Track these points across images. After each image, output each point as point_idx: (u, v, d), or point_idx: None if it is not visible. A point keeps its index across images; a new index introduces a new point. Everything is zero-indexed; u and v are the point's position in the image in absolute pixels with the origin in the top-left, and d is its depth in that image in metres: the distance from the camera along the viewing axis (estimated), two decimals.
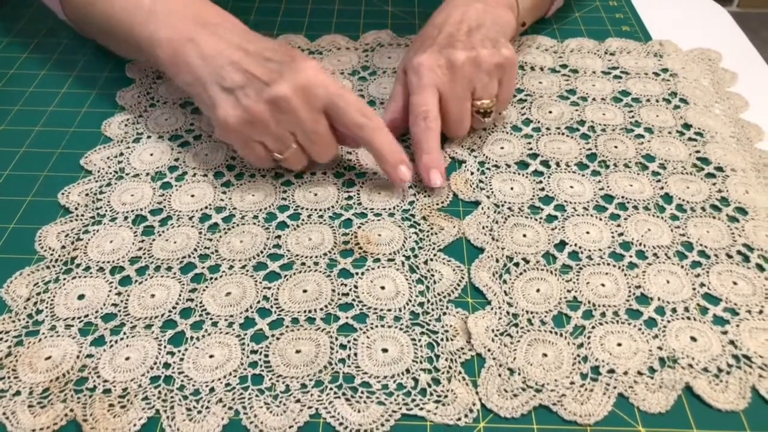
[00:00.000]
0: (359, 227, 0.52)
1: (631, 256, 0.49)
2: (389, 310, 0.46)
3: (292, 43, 0.73)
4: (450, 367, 0.43)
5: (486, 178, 0.56)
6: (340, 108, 0.51)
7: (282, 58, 0.51)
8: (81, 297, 0.46)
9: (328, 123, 0.52)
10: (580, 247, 0.50)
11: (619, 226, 0.52)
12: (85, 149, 0.58)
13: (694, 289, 0.47)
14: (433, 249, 0.50)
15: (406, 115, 0.57)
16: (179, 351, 0.43)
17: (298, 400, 0.41)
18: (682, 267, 0.49)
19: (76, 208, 0.53)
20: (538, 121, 0.63)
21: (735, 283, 0.48)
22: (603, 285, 0.47)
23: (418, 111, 0.55)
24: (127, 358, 0.43)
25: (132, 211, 0.53)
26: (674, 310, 0.46)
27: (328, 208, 0.53)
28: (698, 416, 0.40)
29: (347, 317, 0.46)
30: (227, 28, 0.53)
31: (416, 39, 0.61)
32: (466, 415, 0.40)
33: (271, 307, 0.46)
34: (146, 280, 0.48)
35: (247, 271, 0.48)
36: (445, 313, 0.46)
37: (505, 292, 0.47)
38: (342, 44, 0.73)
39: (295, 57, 0.51)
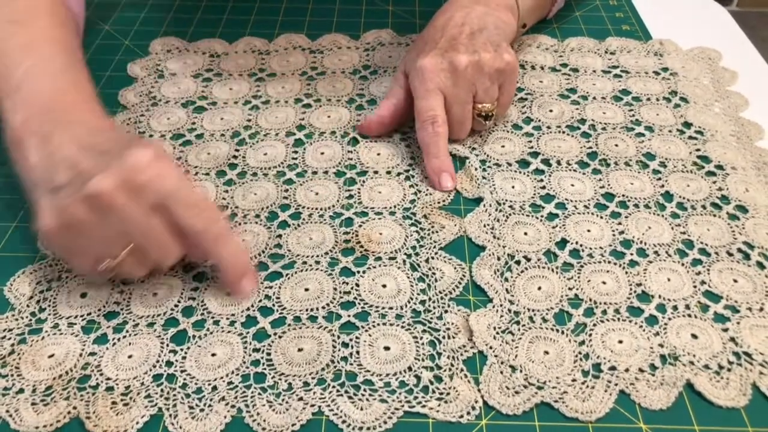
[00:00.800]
0: (360, 226, 0.52)
1: (632, 254, 0.50)
2: (391, 308, 0.46)
3: (293, 42, 0.73)
4: (452, 365, 0.43)
5: (488, 176, 0.56)
6: (175, 208, 0.42)
7: (120, 148, 0.42)
8: (83, 295, 0.47)
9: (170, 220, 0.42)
10: (581, 245, 0.50)
11: (620, 224, 0.52)
12: None
13: (694, 286, 0.47)
14: (434, 247, 0.50)
15: (398, 115, 0.59)
16: (181, 349, 0.43)
17: (301, 398, 0.41)
18: (683, 265, 0.49)
19: None
20: (539, 120, 0.63)
21: (735, 281, 0.48)
22: (604, 283, 0.47)
23: (425, 116, 0.56)
24: (130, 356, 0.43)
25: None
26: (675, 308, 0.46)
27: (329, 207, 0.54)
28: (699, 413, 0.41)
29: (349, 315, 0.46)
30: (83, 121, 0.46)
31: (418, 40, 0.61)
32: (468, 413, 0.41)
33: (273, 305, 0.46)
34: (148, 278, 0.48)
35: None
36: (446, 311, 0.46)
37: (506, 289, 0.47)
38: (343, 43, 0.73)
39: (133, 145, 0.42)
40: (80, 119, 0.46)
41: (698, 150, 0.60)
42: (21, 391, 0.41)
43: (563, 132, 0.61)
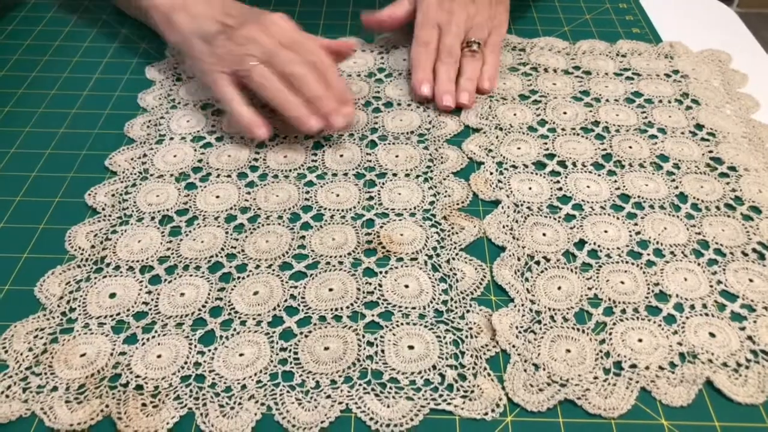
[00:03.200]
0: (381, 227, 0.53)
1: (648, 255, 0.51)
2: (414, 308, 0.47)
3: None
4: (475, 364, 0.44)
5: (504, 178, 0.57)
6: (296, 49, 0.58)
7: (253, 12, 0.61)
8: (112, 295, 0.47)
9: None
10: (598, 246, 0.51)
11: (636, 225, 0.53)
12: (108, 150, 0.59)
13: (711, 286, 0.48)
14: (455, 248, 0.51)
15: (398, 23, 0.71)
16: (209, 350, 0.44)
17: (329, 396, 0.42)
18: (699, 265, 0.50)
19: (103, 209, 0.54)
20: (554, 122, 0.64)
21: (751, 281, 0.49)
22: (622, 282, 0.48)
23: (420, 41, 0.67)
24: (159, 356, 0.44)
25: (158, 211, 0.54)
26: (692, 307, 0.47)
27: (350, 209, 0.55)
28: (719, 409, 0.42)
29: (373, 315, 0.47)
30: None
31: None
32: (492, 410, 0.41)
33: (299, 305, 0.47)
34: (175, 279, 0.49)
35: (273, 270, 0.49)
36: (468, 311, 0.47)
37: (527, 289, 0.48)
38: (357, 47, 0.74)
39: (264, 12, 0.61)
40: None
41: (711, 152, 0.61)
42: (55, 389, 0.42)
43: (578, 134, 0.62)
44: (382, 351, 0.44)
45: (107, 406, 0.41)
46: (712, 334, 0.45)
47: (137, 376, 0.43)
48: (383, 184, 0.57)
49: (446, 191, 0.56)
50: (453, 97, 0.64)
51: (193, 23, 0.60)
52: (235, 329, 0.46)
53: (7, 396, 0.41)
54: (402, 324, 0.46)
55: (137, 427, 0.40)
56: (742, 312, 0.47)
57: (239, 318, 0.46)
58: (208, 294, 0.48)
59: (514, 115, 0.65)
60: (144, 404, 0.41)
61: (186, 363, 0.43)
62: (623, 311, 0.46)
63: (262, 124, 0.58)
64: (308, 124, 0.57)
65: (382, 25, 0.71)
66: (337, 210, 0.54)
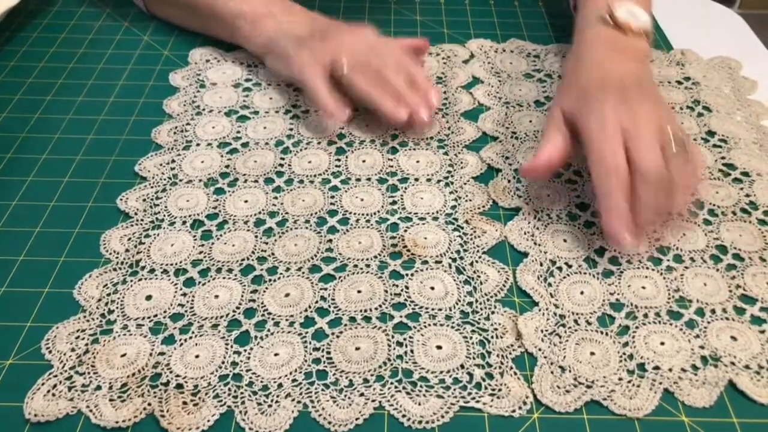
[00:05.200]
0: (405, 231, 0.55)
1: (668, 260, 0.52)
2: (440, 309, 0.49)
3: None
4: (501, 363, 0.45)
5: (522, 186, 0.59)
6: (377, 54, 0.64)
7: (342, 23, 0.67)
8: (149, 298, 0.49)
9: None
10: (619, 252, 0.53)
11: (655, 231, 0.54)
12: (137, 156, 0.61)
13: (730, 290, 0.50)
14: (478, 251, 0.53)
15: (562, 158, 0.55)
16: (245, 350, 0.46)
17: (362, 394, 0.43)
18: (718, 270, 0.51)
19: (136, 213, 0.55)
20: None
21: None
22: (644, 288, 0.50)
23: (608, 162, 0.50)
24: (197, 356, 0.45)
25: (189, 215, 0.55)
26: (713, 311, 0.48)
27: (375, 213, 0.56)
28: (737, 406, 0.44)
29: (401, 316, 0.48)
30: (297, 8, 0.70)
31: (570, 85, 0.59)
32: (520, 407, 0.43)
33: (329, 306, 0.49)
34: (209, 281, 0.50)
35: (303, 273, 0.51)
36: (493, 312, 0.49)
37: (551, 294, 0.49)
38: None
39: (352, 25, 0.67)
40: (293, 6, 0.70)
41: (723, 158, 0.62)
42: (99, 387, 0.43)
43: None
44: (412, 351, 0.46)
45: (149, 404, 0.43)
46: (733, 338, 0.47)
47: (177, 376, 0.44)
48: (405, 188, 0.59)
49: (467, 196, 0.58)
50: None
51: (283, 27, 0.67)
52: (269, 330, 0.47)
53: (53, 395, 0.43)
54: (429, 325, 0.48)
55: (180, 425, 0.42)
56: (762, 315, 0.48)
57: (272, 319, 0.48)
58: (242, 296, 0.49)
59: (530, 122, 0.66)
60: (185, 402, 0.43)
61: (223, 363, 0.45)
62: (645, 315, 0.48)
63: (343, 109, 0.62)
64: (398, 113, 0.61)
65: (542, 176, 0.57)
66: (362, 214, 0.56)
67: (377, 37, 0.66)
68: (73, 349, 0.45)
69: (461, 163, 0.61)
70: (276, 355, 0.46)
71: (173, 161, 0.60)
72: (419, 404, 0.43)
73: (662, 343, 0.46)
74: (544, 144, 0.54)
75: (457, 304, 0.49)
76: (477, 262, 0.52)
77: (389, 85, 0.62)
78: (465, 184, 0.59)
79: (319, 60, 0.63)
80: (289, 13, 0.69)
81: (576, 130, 0.54)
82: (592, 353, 0.45)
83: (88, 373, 0.44)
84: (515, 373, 0.45)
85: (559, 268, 0.51)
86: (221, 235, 0.54)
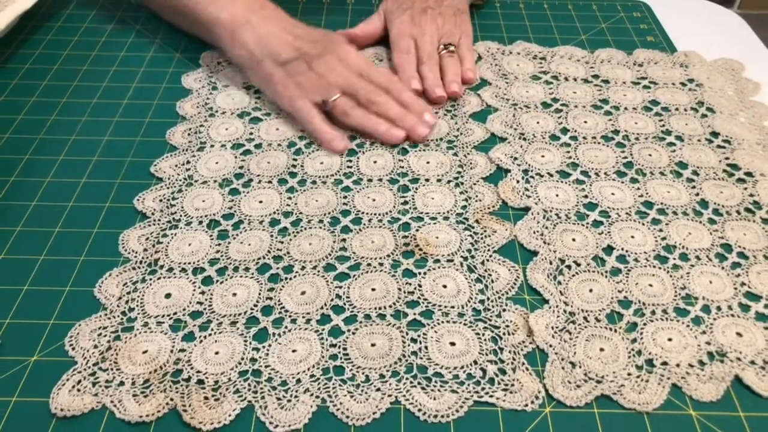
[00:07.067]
0: (417, 230, 0.56)
1: (674, 259, 0.53)
2: (453, 307, 0.50)
3: None
4: (514, 359, 0.47)
5: (531, 186, 0.60)
6: (367, 76, 0.66)
7: (325, 39, 0.67)
8: (168, 296, 0.50)
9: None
10: (626, 251, 0.54)
11: (661, 230, 0.56)
12: (152, 157, 0.62)
13: (735, 288, 0.51)
14: (488, 250, 0.54)
15: (370, 39, 0.77)
16: (263, 347, 0.47)
17: (378, 389, 0.45)
18: (723, 268, 0.53)
19: (153, 213, 0.56)
20: (575, 130, 0.66)
21: None
22: (651, 285, 0.51)
23: (400, 50, 0.73)
24: (217, 353, 0.47)
25: (206, 215, 0.56)
26: (719, 308, 0.50)
27: (387, 213, 0.57)
28: (743, 400, 0.45)
29: (415, 314, 0.49)
30: (276, 16, 0.68)
31: None
32: (532, 402, 0.44)
33: (344, 304, 0.50)
34: (226, 280, 0.51)
35: (318, 271, 0.52)
36: (505, 310, 0.50)
37: (560, 292, 0.51)
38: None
39: (334, 39, 0.67)
40: (274, 13, 0.68)
41: (727, 158, 0.63)
42: (122, 383, 0.44)
43: (599, 142, 0.65)
44: (426, 347, 0.47)
45: (171, 399, 0.44)
46: (739, 334, 0.48)
47: (198, 372, 0.45)
48: (416, 189, 0.60)
49: (477, 196, 0.59)
50: (442, 88, 0.69)
51: (262, 43, 0.65)
52: (286, 327, 0.48)
53: (78, 390, 0.44)
54: (442, 322, 0.49)
55: (202, 419, 0.43)
56: (767, 312, 0.50)
57: (289, 316, 0.49)
58: (259, 294, 0.50)
59: (537, 123, 0.67)
60: (206, 397, 0.44)
61: (243, 359, 0.46)
62: (653, 312, 0.49)
63: (342, 137, 0.64)
64: (396, 134, 0.64)
65: (355, 41, 0.75)
66: (375, 214, 0.57)
67: (363, 61, 0.67)
68: (95, 346, 0.47)
69: (471, 163, 0.63)
70: (294, 351, 0.47)
71: (188, 162, 0.62)
72: (434, 399, 0.44)
73: (670, 340, 0.47)
74: (364, 23, 0.77)
75: (469, 301, 0.50)
76: (488, 260, 0.53)
77: (381, 110, 0.65)
78: (475, 184, 0.60)
79: (309, 95, 0.64)
80: (268, 24, 0.67)
81: (389, 26, 0.75)
82: (602, 349, 0.47)
83: (111, 369, 0.45)
84: (527, 369, 0.46)
85: (568, 267, 0.52)
86: (237, 235, 0.55)
